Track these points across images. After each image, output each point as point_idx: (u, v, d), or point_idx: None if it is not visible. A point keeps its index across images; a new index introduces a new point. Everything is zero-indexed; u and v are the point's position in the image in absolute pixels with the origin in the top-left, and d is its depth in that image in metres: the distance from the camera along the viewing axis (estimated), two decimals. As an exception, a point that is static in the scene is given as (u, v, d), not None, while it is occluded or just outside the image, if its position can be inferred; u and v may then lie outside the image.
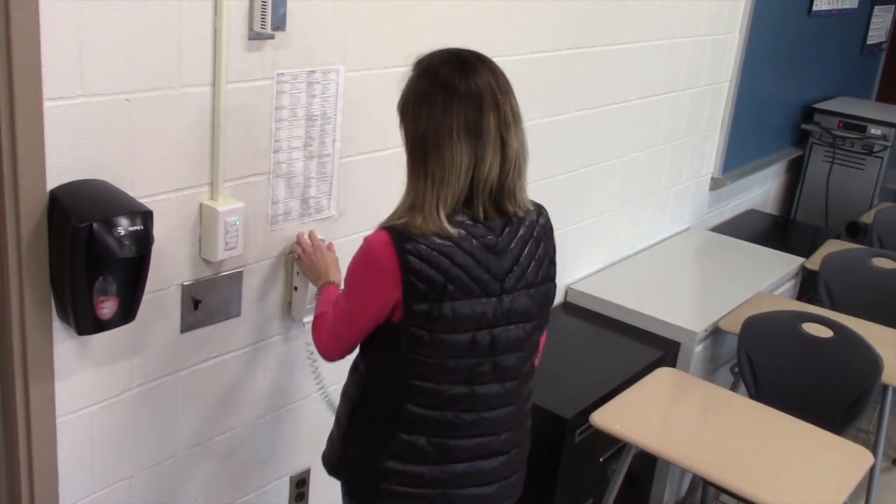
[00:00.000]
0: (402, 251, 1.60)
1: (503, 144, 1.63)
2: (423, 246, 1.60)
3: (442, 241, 1.61)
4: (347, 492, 1.85)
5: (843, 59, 5.18)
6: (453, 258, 1.62)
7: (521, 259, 1.71)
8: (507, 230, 1.69)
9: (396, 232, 1.61)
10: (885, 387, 2.86)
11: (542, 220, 1.76)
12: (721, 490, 2.43)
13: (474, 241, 1.64)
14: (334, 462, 1.85)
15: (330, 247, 2.13)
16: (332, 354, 1.80)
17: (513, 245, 1.70)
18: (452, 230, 1.62)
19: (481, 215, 1.66)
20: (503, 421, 1.78)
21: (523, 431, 1.87)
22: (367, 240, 1.65)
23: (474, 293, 1.65)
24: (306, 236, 2.11)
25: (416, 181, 1.64)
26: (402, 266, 1.60)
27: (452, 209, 1.63)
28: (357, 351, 1.80)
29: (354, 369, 1.82)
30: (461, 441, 1.75)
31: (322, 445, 2.10)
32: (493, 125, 1.61)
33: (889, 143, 4.74)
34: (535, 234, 1.74)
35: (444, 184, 1.61)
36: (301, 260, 2.09)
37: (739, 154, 4.21)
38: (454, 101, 1.60)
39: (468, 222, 1.65)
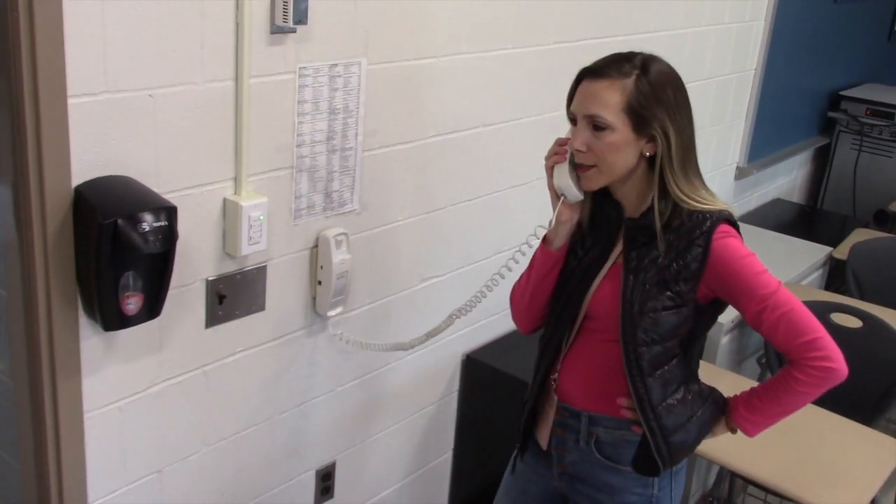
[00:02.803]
0: None
1: None
2: None
3: None
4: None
5: (870, 46, 5.11)
6: None
7: None
8: None
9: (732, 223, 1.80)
10: (916, 377, 2.83)
11: None
12: (748, 482, 2.41)
13: None
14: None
15: None
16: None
17: None
18: None
19: None
20: None
21: None
22: (727, 230, 1.81)
23: None
24: None
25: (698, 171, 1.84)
26: None
27: None
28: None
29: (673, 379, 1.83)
30: None
31: (347, 438, 2.09)
32: None
33: (918, 130, 4.69)
34: None
35: None
36: None
37: (765, 143, 4.17)
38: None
39: None
